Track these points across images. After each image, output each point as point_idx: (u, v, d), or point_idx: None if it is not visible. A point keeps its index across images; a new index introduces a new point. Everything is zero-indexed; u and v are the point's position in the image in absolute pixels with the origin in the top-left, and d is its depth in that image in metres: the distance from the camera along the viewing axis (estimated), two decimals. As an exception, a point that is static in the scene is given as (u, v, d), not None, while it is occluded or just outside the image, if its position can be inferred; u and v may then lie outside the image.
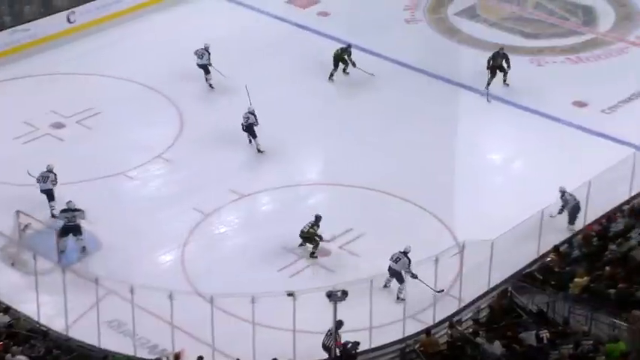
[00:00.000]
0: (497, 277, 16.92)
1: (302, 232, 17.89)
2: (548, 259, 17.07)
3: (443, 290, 16.45)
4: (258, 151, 20.47)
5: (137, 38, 25.47)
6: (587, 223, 18.05)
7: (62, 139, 21.12)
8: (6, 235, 17.41)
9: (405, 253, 16.71)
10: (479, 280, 16.71)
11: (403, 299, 16.46)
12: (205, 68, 22.72)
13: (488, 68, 22.34)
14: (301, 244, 18.04)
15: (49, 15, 24.78)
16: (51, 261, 16.75)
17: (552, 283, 16.34)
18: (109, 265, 17.45)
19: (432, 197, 19.15)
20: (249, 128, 20.51)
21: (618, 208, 18.34)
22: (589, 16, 25.62)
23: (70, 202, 17.85)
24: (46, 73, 23.42)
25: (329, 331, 14.95)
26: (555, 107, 21.93)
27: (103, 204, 18.72)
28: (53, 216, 18.27)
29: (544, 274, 16.66)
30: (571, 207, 18.12)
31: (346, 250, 18.18)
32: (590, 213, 18.13)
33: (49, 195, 18.46)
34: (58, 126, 21.50)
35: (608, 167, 18.61)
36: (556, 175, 19.55)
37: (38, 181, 18.41)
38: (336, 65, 22.99)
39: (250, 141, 20.68)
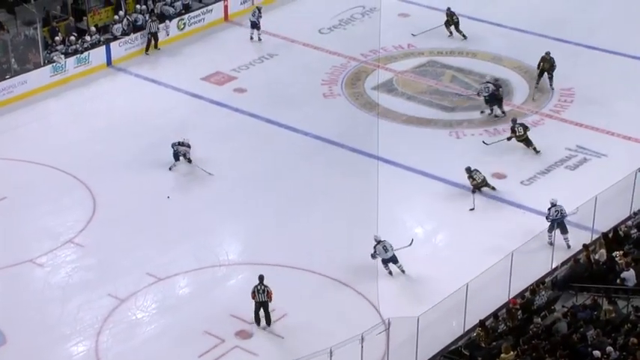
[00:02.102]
0: (425, 355, 17.16)
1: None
2: (475, 334, 17.42)
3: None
4: None
5: (45, 119, 25.39)
6: (510, 296, 18.54)
7: (-35, 227, 20.75)
8: None
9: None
10: (406, 358, 16.91)
11: (391, 273, 19.30)
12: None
13: (537, 68, 25.86)
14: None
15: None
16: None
17: (479, 359, 16.66)
18: (16, 359, 16.98)
19: (355, 273, 19.40)
20: None
21: (541, 280, 18.91)
22: (504, 90, 26.75)
23: None
24: (-52, 157, 23.10)
25: None
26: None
27: (8, 294, 18.32)
28: None
29: (471, 350, 16.99)
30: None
31: (269, 331, 18.20)
32: (514, 285, 18.65)
33: None
34: (-39, 213, 21.16)
35: (528, 238, 19.25)
36: (477, 248, 20.13)
37: None
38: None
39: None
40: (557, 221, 20.05)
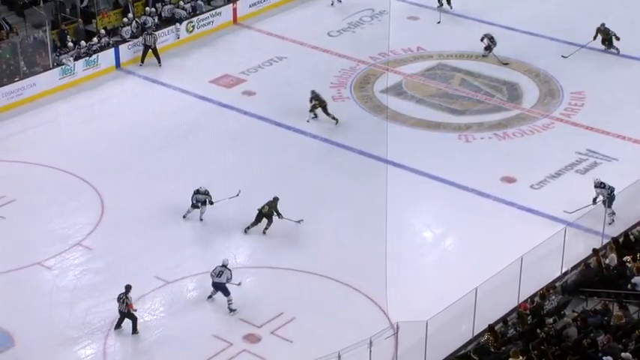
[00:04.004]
0: (434, 359, 17.11)
1: (259, 210, 19.83)
2: (484, 338, 17.37)
3: (241, 283, 18.36)
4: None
5: (54, 122, 25.45)
6: (520, 300, 18.48)
7: (-26, 229, 20.79)
8: None
9: (224, 266, 18.45)
10: (415, 363, 16.90)
11: (234, 310, 18.29)
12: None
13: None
14: (254, 224, 19.58)
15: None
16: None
17: (489, 363, 16.63)
18: (25, 361, 17.05)
19: (364, 277, 19.36)
20: None
21: (551, 285, 18.84)
22: (513, 93, 26.73)
23: None
24: (-43, 159, 23.18)
25: None
26: (484, 183, 22.61)
27: (17, 296, 18.35)
28: None
29: (480, 355, 16.94)
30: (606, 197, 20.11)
31: (278, 335, 18.18)
32: (523, 290, 18.59)
33: None
34: (-31, 215, 21.20)
35: (538, 243, 19.20)
36: (487, 252, 20.09)
37: None
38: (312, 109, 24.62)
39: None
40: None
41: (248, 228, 20.59)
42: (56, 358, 17.34)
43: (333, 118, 24.57)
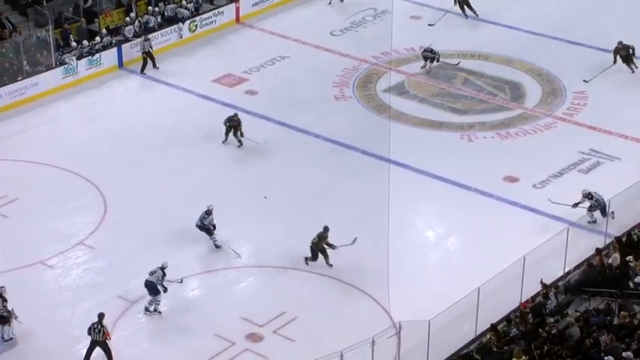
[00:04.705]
0: (436, 359, 17.09)
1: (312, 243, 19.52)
2: (486, 338, 17.36)
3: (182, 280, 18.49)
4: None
5: (56, 121, 25.47)
6: (522, 300, 18.46)
7: (-24, 228, 20.81)
8: None
9: (162, 268, 18.46)
10: (417, 362, 16.89)
11: (155, 311, 18.32)
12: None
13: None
14: (311, 259, 19.46)
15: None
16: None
17: (491, 363, 16.61)
18: (27, 360, 17.06)
19: (366, 277, 19.37)
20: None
21: (553, 284, 18.82)
22: (516, 92, 26.69)
23: (2, 287, 17.72)
24: (-40, 158, 23.19)
25: None
26: (487, 182, 22.59)
27: (19, 296, 18.35)
28: None
29: (482, 355, 16.92)
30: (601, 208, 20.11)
31: (280, 334, 18.18)
32: (526, 289, 18.57)
33: None
34: (-28, 214, 21.21)
35: (541, 243, 19.18)
36: (490, 251, 20.07)
37: None
38: (227, 133, 23.59)
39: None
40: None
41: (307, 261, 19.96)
42: (58, 357, 17.33)
43: (239, 141, 23.49)
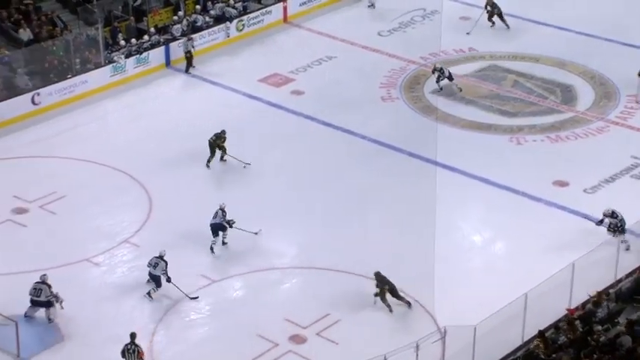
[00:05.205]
0: (481, 365, 16.99)
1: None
2: (533, 345, 17.17)
3: (197, 297, 18.49)
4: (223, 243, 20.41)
5: (104, 119, 25.81)
6: (571, 307, 18.22)
7: (24, 225, 21.12)
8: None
9: (161, 257, 18.70)
10: (462, 368, 16.78)
11: (152, 299, 18.55)
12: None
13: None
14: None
15: (14, 97, 25.06)
16: (9, 355, 16.56)
17: (538, 370, 16.43)
18: (72, 357, 17.28)
19: (410, 280, 19.24)
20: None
21: (604, 292, 18.54)
22: (568, 95, 26.38)
23: (44, 275, 18.13)
24: (8, 156, 23.56)
25: None
26: (535, 187, 22.34)
27: (65, 292, 18.63)
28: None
29: (529, 362, 16.76)
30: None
31: (323, 336, 18.19)
32: (575, 296, 18.32)
33: None
34: (20, 211, 21.50)
35: (591, 249, 18.92)
36: (538, 257, 19.85)
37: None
38: (212, 153, 22.82)
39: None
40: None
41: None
42: (103, 355, 17.55)
43: (222, 157, 23.03)
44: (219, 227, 20.05)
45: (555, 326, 17.65)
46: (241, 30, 29.34)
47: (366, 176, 23.03)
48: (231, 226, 20.22)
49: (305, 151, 24.05)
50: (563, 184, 22.56)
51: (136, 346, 17.00)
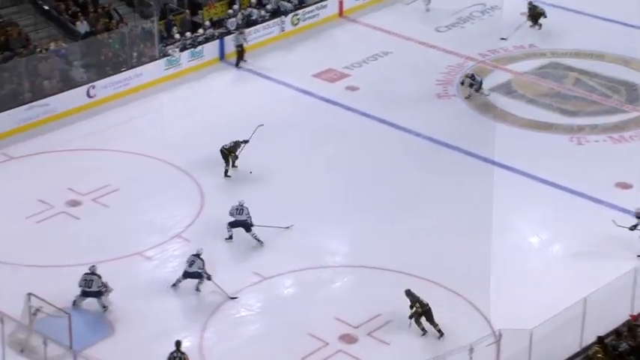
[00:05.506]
0: (537, 370, 16.72)
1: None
2: (592, 351, 16.84)
3: (237, 297, 18.40)
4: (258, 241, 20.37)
5: (157, 113, 26.03)
6: (634, 312, 17.83)
7: (78, 218, 21.40)
8: (15, 320, 17.39)
9: (197, 255, 18.78)
10: (517, 373, 16.54)
11: (199, 291, 18.69)
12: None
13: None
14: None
15: (69, 90, 25.38)
16: (62, 347, 16.77)
17: (596, 377, 16.11)
18: (122, 350, 17.45)
19: (465, 282, 19.06)
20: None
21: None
22: (632, 94, 25.83)
23: (93, 266, 18.40)
24: (63, 149, 23.89)
25: None
26: (597, 188, 21.93)
27: (117, 286, 18.82)
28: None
29: (587, 369, 16.44)
30: None
31: (375, 337, 18.08)
32: (638, 302, 17.91)
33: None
34: (74, 204, 21.77)
35: (655, 253, 18.52)
36: (598, 260, 19.47)
37: None
38: (227, 161, 22.50)
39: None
40: None
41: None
42: (153, 349, 17.67)
43: (233, 164, 22.60)
44: (243, 224, 20.03)
45: (616, 332, 17.29)
46: (296, 24, 29.33)
47: (420, 174, 22.84)
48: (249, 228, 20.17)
49: (358, 147, 23.94)
50: (626, 186, 22.10)
51: (182, 353, 16.81)
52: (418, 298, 17.86)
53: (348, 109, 25.54)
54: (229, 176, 22.49)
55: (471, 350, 15.80)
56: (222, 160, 22.63)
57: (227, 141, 22.91)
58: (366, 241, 20.60)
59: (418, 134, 24.31)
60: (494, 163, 22.85)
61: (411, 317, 17.88)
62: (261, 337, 18.22)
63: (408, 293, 17.98)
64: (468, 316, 18.40)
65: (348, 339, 18.02)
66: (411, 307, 17.84)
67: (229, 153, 22.59)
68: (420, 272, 19.37)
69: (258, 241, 20.17)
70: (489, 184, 21.67)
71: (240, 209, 20.31)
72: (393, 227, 20.90)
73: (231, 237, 20.38)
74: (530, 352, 16.39)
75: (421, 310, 17.78)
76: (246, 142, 22.71)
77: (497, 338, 16.42)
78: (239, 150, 22.63)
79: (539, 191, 22.16)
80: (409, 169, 23.07)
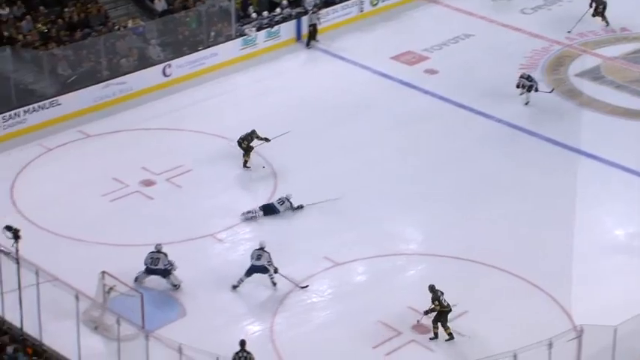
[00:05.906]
0: (620, 369, 16.26)
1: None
2: (679, 351, 16.31)
3: (307, 286, 18.08)
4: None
5: (232, 93, 26.09)
6: None
7: (151, 197, 21.61)
8: (90, 298, 17.65)
9: (262, 249, 18.55)
10: (599, 372, 16.13)
11: (275, 283, 18.51)
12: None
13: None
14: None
15: (145, 68, 25.64)
16: (135, 326, 16.97)
17: (683, 379, 15.57)
18: (194, 333, 17.57)
19: (546, 275, 18.68)
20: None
21: None
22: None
23: (159, 244, 18.60)
24: (139, 127, 24.13)
25: None
26: (689, 180, 21.27)
27: (189, 268, 18.97)
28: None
29: (674, 369, 15.90)
30: None
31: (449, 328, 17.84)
32: None
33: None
34: (148, 183, 21.98)
35: None
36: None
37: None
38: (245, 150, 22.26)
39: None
40: None
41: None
42: (224, 332, 17.75)
43: (246, 164, 22.17)
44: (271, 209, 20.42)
45: None
46: (375, 5, 29.04)
47: (500, 161, 22.44)
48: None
49: (436, 132, 23.62)
50: None
51: (248, 353, 16.45)
52: (439, 296, 17.43)
53: (426, 92, 25.22)
54: (248, 167, 22.21)
55: (550, 345, 15.44)
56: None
57: (302, 122, 22.84)
58: (442, 229, 20.32)
59: (499, 120, 23.86)
60: (579, 151, 22.33)
61: (426, 313, 17.52)
62: (332, 324, 18.15)
63: (432, 289, 17.55)
64: (546, 310, 18.03)
65: (421, 329, 17.81)
66: (432, 302, 17.47)
67: (242, 141, 22.15)
68: (498, 263, 19.01)
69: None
70: (573, 173, 21.15)
71: (281, 200, 20.23)
72: (470, 215, 20.57)
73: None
74: (615, 350, 15.92)
75: (439, 309, 17.38)
76: (267, 140, 22.35)
77: (579, 334, 16.02)
78: (254, 142, 22.23)
79: (626, 182, 21.59)
80: (488, 155, 22.68)
